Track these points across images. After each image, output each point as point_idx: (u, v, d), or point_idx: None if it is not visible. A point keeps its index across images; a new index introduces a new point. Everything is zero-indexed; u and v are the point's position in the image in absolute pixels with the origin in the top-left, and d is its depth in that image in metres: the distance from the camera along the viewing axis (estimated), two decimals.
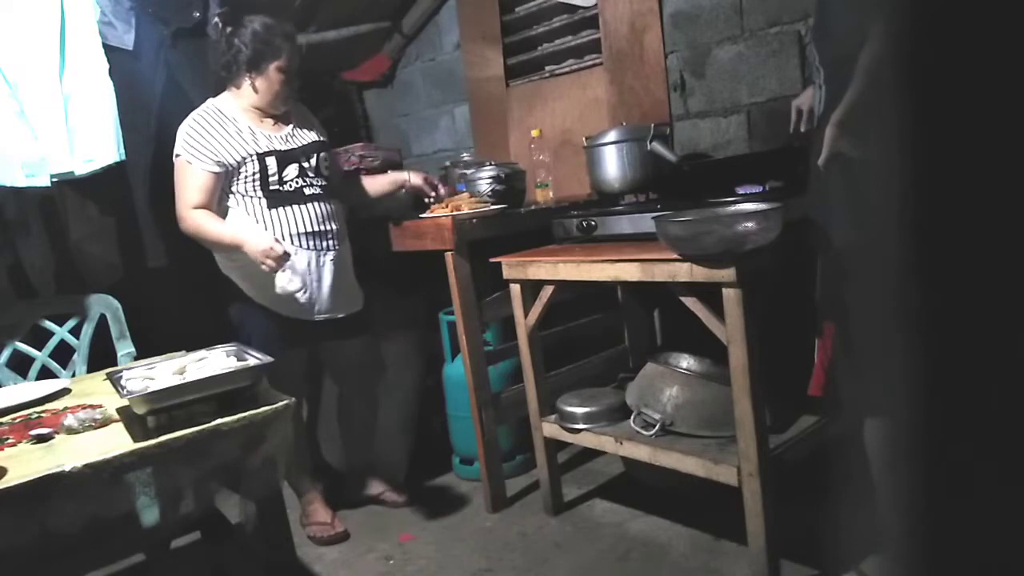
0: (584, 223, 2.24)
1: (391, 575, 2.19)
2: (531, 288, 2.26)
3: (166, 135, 2.53)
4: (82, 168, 2.29)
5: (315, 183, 2.23)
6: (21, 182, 2.24)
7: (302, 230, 2.18)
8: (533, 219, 2.50)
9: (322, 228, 2.21)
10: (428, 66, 3.70)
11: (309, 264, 2.19)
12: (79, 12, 2.28)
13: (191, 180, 2.12)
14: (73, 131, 2.27)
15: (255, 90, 2.19)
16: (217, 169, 2.13)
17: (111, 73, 2.30)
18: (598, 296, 2.66)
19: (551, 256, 2.16)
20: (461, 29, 3.44)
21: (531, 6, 3.12)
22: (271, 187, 2.16)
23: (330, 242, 2.23)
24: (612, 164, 2.44)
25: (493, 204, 2.52)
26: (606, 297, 2.77)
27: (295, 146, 2.23)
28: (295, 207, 2.18)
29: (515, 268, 2.26)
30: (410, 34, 3.64)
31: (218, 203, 2.17)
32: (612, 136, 2.44)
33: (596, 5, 2.87)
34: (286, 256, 2.06)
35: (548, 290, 2.20)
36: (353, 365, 2.45)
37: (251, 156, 2.14)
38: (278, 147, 2.19)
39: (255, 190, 2.16)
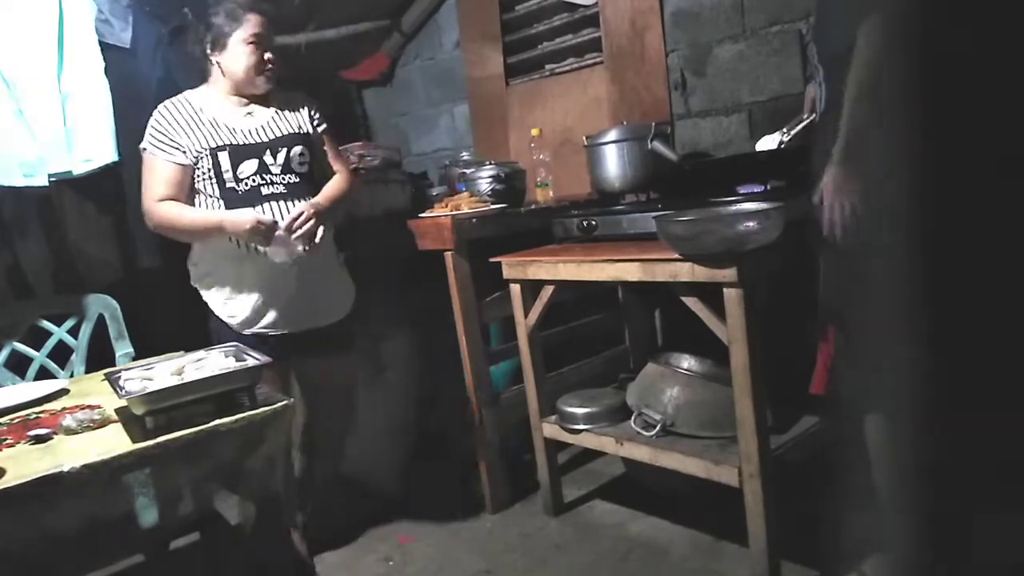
0: (584, 223, 2.24)
1: None
2: (531, 288, 2.26)
3: None
4: (80, 168, 2.29)
5: (277, 180, 2.03)
6: (19, 182, 2.24)
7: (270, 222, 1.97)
8: (533, 219, 2.49)
9: None
10: (427, 65, 3.69)
11: (263, 273, 2.01)
12: (77, 11, 2.27)
13: (155, 173, 1.99)
14: (71, 131, 2.26)
15: (223, 72, 2.05)
16: (183, 160, 1.99)
17: (107, 71, 2.29)
18: (598, 296, 2.66)
19: (551, 256, 2.16)
20: (461, 27, 3.44)
21: (531, 4, 3.12)
22: (226, 185, 2.00)
23: None
24: (613, 163, 2.43)
25: (493, 204, 2.51)
26: (606, 297, 2.76)
27: (262, 139, 2.05)
28: (252, 208, 1.99)
29: (515, 268, 2.25)
30: (409, 33, 3.63)
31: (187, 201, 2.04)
32: (613, 135, 2.43)
33: (597, 3, 2.86)
34: (274, 226, 1.92)
35: (548, 290, 2.20)
36: (320, 383, 2.28)
37: (205, 151, 1.99)
38: (237, 141, 2.02)
39: (212, 188, 2.00)
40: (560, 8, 3.01)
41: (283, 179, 2.05)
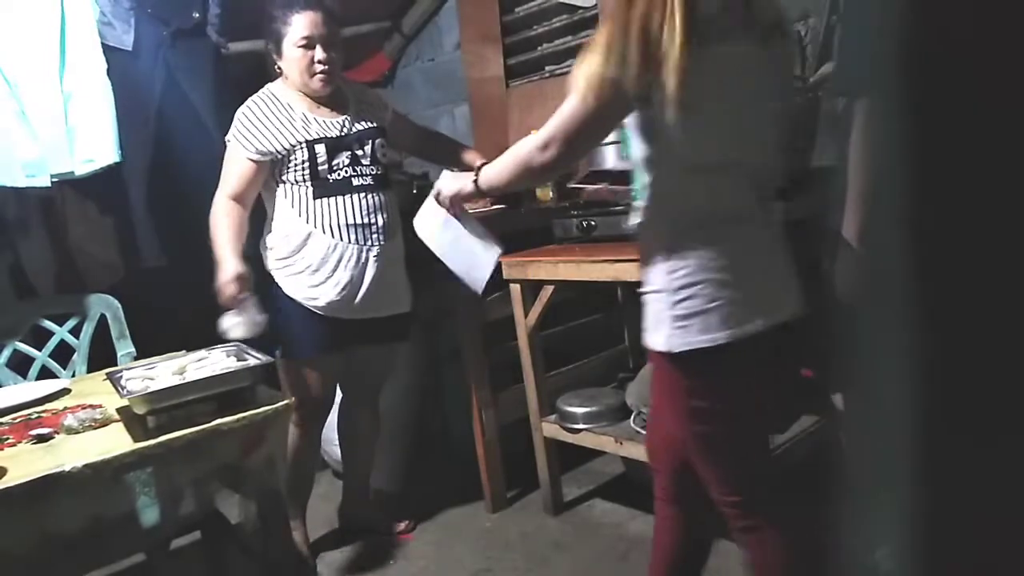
0: (584, 223, 2.24)
1: None
2: (531, 288, 2.26)
3: (165, 135, 2.52)
4: (82, 168, 2.30)
5: (366, 172, 2.08)
6: (21, 182, 2.25)
7: (347, 222, 2.04)
8: (533, 219, 2.50)
9: (367, 221, 2.06)
10: (428, 66, 3.70)
11: (351, 259, 2.05)
12: (79, 12, 2.28)
13: (232, 166, 2.04)
14: (73, 131, 2.27)
15: (286, 76, 2.06)
16: (259, 158, 2.02)
17: (110, 73, 2.30)
18: (598, 296, 2.66)
19: (551, 256, 2.16)
20: (461, 29, 3.44)
21: (531, 6, 3.12)
22: (319, 176, 2.03)
23: (376, 236, 2.08)
24: (612, 164, 2.43)
25: (493, 204, 2.51)
26: (606, 297, 2.77)
27: (350, 133, 2.08)
28: (340, 198, 2.04)
29: (515, 268, 2.26)
30: (410, 34, 3.64)
31: (267, 191, 2.09)
32: (612, 136, 2.43)
33: (596, 5, 2.86)
34: (237, 300, 1.90)
35: (548, 290, 2.20)
36: (378, 370, 2.33)
37: (301, 144, 2.01)
38: (330, 134, 2.04)
39: (304, 179, 2.03)
40: (560, 10, 3.02)
41: (371, 170, 2.10)
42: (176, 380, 1.52)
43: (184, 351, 1.81)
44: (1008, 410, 0.47)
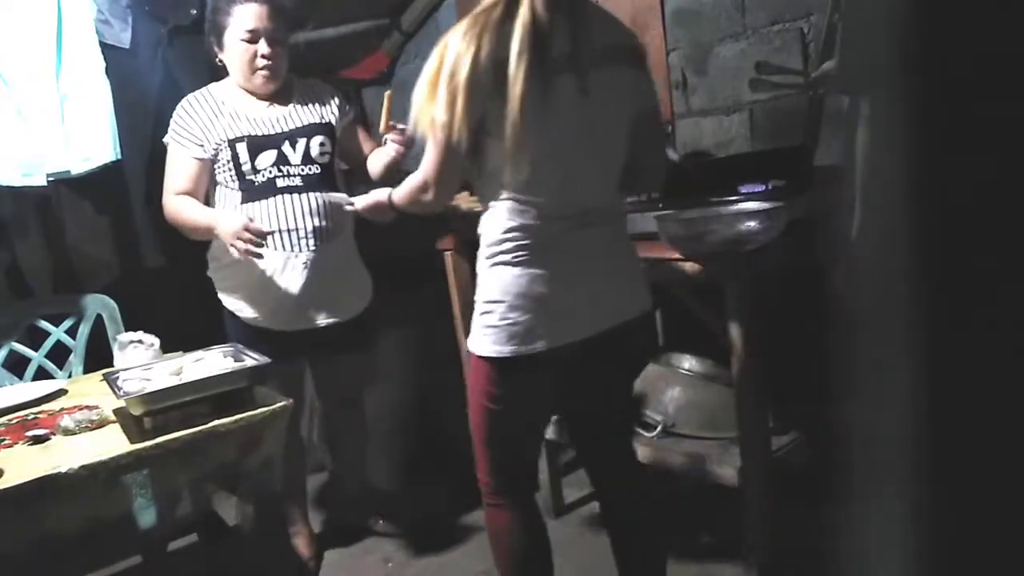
0: None
1: None
2: None
3: (164, 133, 2.50)
4: (79, 167, 2.28)
5: (294, 172, 1.97)
6: (17, 181, 2.24)
7: (272, 228, 1.93)
8: None
9: (293, 225, 1.95)
10: None
11: (277, 268, 1.96)
12: (76, 10, 2.27)
13: (175, 165, 1.99)
14: (70, 130, 2.26)
15: (228, 70, 2.00)
16: (201, 154, 1.96)
17: (108, 71, 2.29)
18: None
19: None
20: None
21: None
22: (245, 177, 1.95)
23: (305, 241, 1.96)
24: None
25: None
26: None
27: (282, 130, 1.99)
28: (265, 201, 1.94)
29: None
30: (409, 31, 3.63)
31: (207, 194, 2.02)
32: None
33: (596, 2, 2.85)
34: (263, 237, 1.82)
35: None
36: (345, 374, 2.28)
37: (223, 142, 1.94)
38: (255, 132, 1.96)
39: (232, 180, 1.96)
40: None
41: (301, 170, 1.99)
42: (173, 381, 1.51)
43: (181, 352, 1.80)
44: (1011, 413, 0.46)
